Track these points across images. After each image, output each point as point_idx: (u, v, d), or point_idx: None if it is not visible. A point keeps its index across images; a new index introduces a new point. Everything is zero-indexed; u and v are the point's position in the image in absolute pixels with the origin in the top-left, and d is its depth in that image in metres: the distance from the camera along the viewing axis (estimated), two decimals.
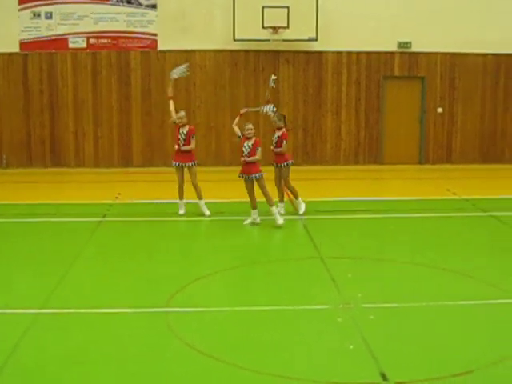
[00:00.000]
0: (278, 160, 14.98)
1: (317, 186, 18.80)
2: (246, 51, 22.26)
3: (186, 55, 22.08)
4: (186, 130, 15.22)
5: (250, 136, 14.06)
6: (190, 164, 15.33)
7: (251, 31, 21.59)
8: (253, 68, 22.37)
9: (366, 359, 8.04)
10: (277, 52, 22.31)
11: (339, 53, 22.57)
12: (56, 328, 9.00)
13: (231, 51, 22.24)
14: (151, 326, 9.08)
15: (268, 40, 21.68)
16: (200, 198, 15.24)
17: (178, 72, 16.15)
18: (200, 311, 9.61)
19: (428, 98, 23.16)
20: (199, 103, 22.35)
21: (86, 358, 8.04)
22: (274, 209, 14.18)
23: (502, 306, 9.91)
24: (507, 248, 12.95)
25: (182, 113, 15.30)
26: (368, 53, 22.70)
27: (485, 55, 23.08)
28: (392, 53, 22.81)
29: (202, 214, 15.05)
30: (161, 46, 22.11)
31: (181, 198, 15.34)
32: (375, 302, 9.89)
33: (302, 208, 15.04)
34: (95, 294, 10.24)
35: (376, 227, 14.48)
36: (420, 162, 23.18)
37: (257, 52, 22.29)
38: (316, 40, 21.97)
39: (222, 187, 18.96)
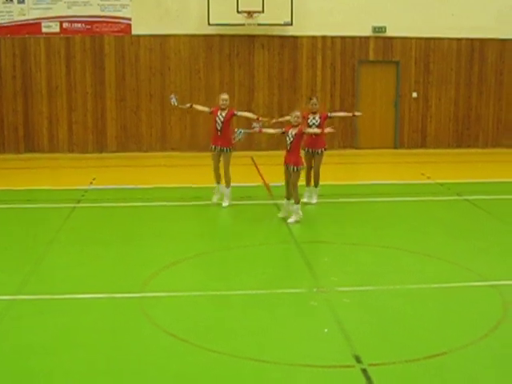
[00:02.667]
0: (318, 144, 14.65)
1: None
2: (221, 36, 22.17)
3: (161, 40, 22.00)
4: (225, 113, 14.71)
5: (296, 124, 13.12)
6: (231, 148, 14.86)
7: (226, 16, 21.49)
8: (228, 53, 22.30)
9: (340, 342, 8.08)
10: (252, 36, 22.24)
11: (314, 37, 22.53)
12: (31, 314, 8.95)
13: (206, 36, 22.14)
14: (126, 311, 9.07)
15: (243, 24, 21.59)
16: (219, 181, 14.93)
17: (175, 100, 15.53)
18: (175, 296, 9.60)
19: (403, 82, 23.20)
20: (174, 88, 22.21)
21: (61, 344, 8.02)
22: (296, 206, 13.27)
23: (476, 289, 9.99)
24: (482, 231, 13.03)
25: (226, 95, 15.06)
26: (343, 37, 22.67)
27: (459, 40, 23.13)
28: (367, 37, 22.81)
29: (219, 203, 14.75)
30: (135, 31, 21.96)
31: (218, 181, 14.95)
32: (349, 286, 9.94)
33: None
34: (70, 280, 10.20)
35: (351, 212, 14.51)
36: (395, 147, 23.23)
37: (232, 37, 22.20)
38: (291, 24, 21.92)
39: (197, 172, 18.92)
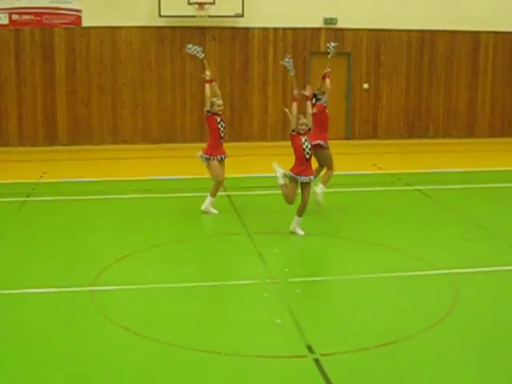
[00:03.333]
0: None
1: (244, 162, 18.80)
2: (172, 28, 22.08)
3: (111, 32, 21.84)
4: (222, 119, 13.38)
5: (304, 132, 11.80)
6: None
7: (177, 7, 21.41)
8: (179, 45, 22.19)
9: (293, 333, 8.11)
10: (203, 28, 22.18)
11: (265, 29, 22.55)
12: None
13: (157, 28, 22.03)
14: (78, 305, 8.99)
15: (194, 16, 21.53)
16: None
17: (193, 49, 14.49)
18: (127, 289, 9.56)
19: (354, 73, 23.32)
20: (125, 81, 22.11)
21: (12, 339, 7.94)
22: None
23: (426, 278, 10.08)
24: (432, 221, 13.17)
25: (221, 101, 13.49)
26: (294, 29, 22.73)
27: (409, 31, 23.32)
28: (318, 29, 22.88)
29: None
30: (85, 23, 21.76)
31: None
32: (302, 276, 9.99)
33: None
34: (20, 274, 10.08)
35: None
36: (346, 137, 23.35)
37: (183, 28, 22.12)
38: (242, 16, 21.91)
39: (149, 164, 18.86)
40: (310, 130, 11.85)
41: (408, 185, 16.02)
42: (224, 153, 13.32)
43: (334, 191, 15.10)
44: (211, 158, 13.10)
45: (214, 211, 13.30)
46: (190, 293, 9.48)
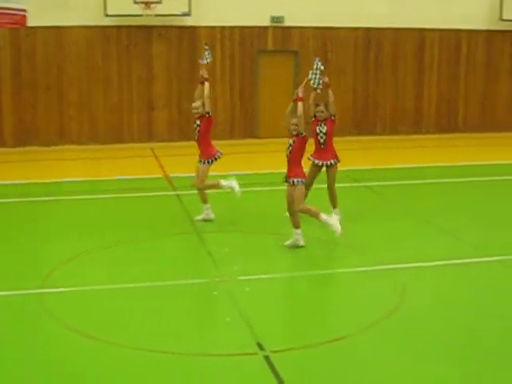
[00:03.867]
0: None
1: (192, 161, 18.72)
2: (118, 27, 21.91)
3: (57, 31, 21.60)
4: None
5: (295, 133, 11.41)
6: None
7: (123, 6, 21.24)
8: (126, 44, 22.06)
9: (243, 330, 8.16)
10: (150, 27, 22.05)
11: (213, 28, 22.50)
12: None
13: (103, 27, 21.83)
14: (26, 308, 8.93)
15: (140, 15, 21.41)
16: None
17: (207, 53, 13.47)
18: (77, 290, 9.50)
19: (301, 71, 23.38)
20: (71, 81, 21.90)
21: None
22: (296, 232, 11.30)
23: (373, 273, 10.19)
24: (379, 217, 13.28)
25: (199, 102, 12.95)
26: (241, 27, 22.71)
27: (356, 29, 23.46)
28: (265, 27, 22.91)
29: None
30: (30, 22, 21.49)
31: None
32: (251, 275, 10.02)
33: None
34: None
35: (248, 201, 14.54)
36: None
37: (129, 28, 21.96)
38: (189, 15, 21.84)
39: (97, 165, 18.74)
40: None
41: (356, 181, 16.13)
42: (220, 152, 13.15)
43: (275, 189, 15.15)
44: (208, 161, 12.87)
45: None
46: (139, 293, 9.46)
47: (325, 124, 12.89)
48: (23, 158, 20.29)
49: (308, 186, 12.46)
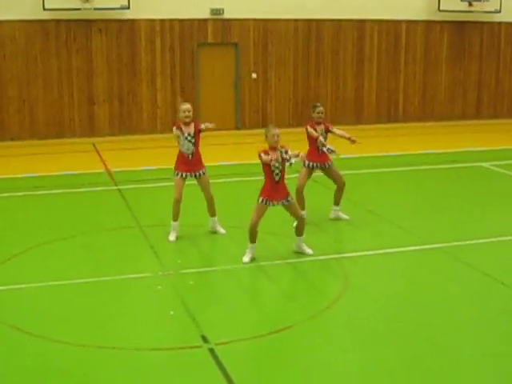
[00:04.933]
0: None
1: (133, 155, 18.69)
2: (57, 21, 21.66)
3: None
4: (192, 129, 11.26)
5: (276, 145, 10.28)
6: (202, 171, 11.54)
7: (61, 0, 21.07)
8: (65, 38, 21.83)
9: (187, 324, 8.17)
10: (89, 21, 21.86)
11: (152, 20, 22.39)
12: None
13: (41, 21, 21.57)
14: None
15: (79, 9, 21.23)
16: (214, 214, 11.74)
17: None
18: (17, 288, 9.39)
19: (242, 63, 23.41)
20: (10, 76, 21.61)
21: None
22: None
23: (317, 263, 10.27)
24: (323, 207, 13.33)
25: (188, 105, 11.36)
26: (181, 20, 22.64)
27: (296, 21, 23.55)
28: (205, 20, 22.86)
29: (215, 232, 11.75)
30: None
31: (176, 218, 11.40)
32: (194, 268, 10.04)
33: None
34: None
35: (192, 194, 14.53)
36: (237, 127, 23.47)
37: (68, 21, 21.73)
38: (128, 8, 21.71)
39: (38, 160, 18.54)
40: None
41: (297, 172, 16.16)
42: (190, 169, 11.34)
43: (223, 182, 15.21)
44: (174, 172, 11.39)
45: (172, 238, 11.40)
46: (82, 289, 9.41)
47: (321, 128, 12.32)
48: None
49: (300, 193, 12.22)
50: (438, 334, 7.90)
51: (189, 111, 11.19)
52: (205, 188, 11.52)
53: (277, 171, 10.15)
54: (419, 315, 8.42)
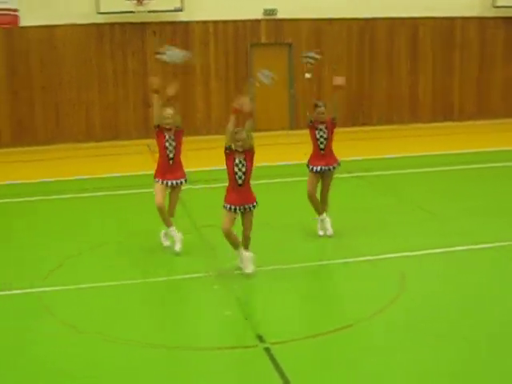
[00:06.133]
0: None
1: (188, 156, 18.72)
2: (111, 24, 21.92)
3: (50, 30, 21.61)
4: (172, 134, 11.09)
5: (242, 150, 9.62)
6: (183, 180, 11.23)
7: (115, 3, 21.29)
8: (119, 41, 22.08)
9: (243, 323, 8.20)
10: (143, 24, 22.07)
11: (205, 22, 22.52)
12: None
13: (96, 24, 21.85)
14: (27, 307, 8.96)
15: (133, 12, 21.44)
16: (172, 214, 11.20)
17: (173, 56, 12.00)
18: (75, 288, 9.51)
19: (295, 64, 23.40)
20: (67, 79, 21.92)
21: None
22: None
23: (373, 263, 10.20)
24: (374, 207, 13.31)
25: (170, 110, 11.19)
26: (234, 21, 22.73)
27: (349, 20, 23.47)
28: (258, 20, 22.92)
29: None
30: (23, 22, 21.50)
31: (169, 224, 10.99)
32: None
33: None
34: None
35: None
36: (291, 128, 23.46)
37: (122, 24, 21.98)
38: (182, 10, 21.87)
39: (94, 163, 18.75)
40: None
41: (349, 172, 16.14)
42: (170, 177, 10.98)
43: (278, 181, 15.21)
44: (155, 180, 11.02)
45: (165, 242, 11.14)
46: (138, 290, 9.49)
47: (326, 128, 11.50)
48: (20, 157, 20.31)
49: (313, 197, 11.53)
50: (499, 334, 7.79)
51: (169, 117, 11.00)
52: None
53: (240, 174, 9.63)
54: (480, 315, 8.30)
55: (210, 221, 12.11)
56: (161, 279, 9.72)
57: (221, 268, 10.01)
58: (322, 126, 11.48)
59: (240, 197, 9.64)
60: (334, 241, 11.21)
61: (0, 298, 9.27)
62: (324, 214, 11.56)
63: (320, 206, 11.53)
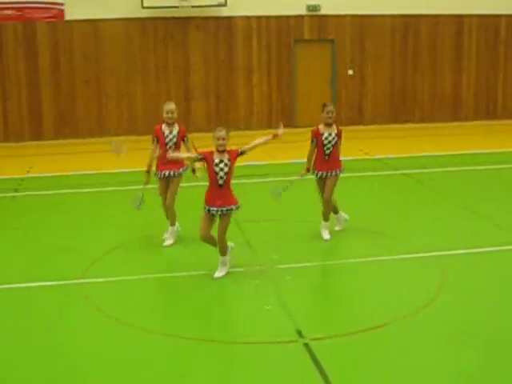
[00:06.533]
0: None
1: None
2: (155, 19, 22.02)
3: (94, 24, 21.76)
4: (176, 130, 11.07)
5: (222, 149, 9.35)
6: (182, 170, 11.16)
7: None
8: (162, 36, 22.17)
9: (283, 318, 8.16)
10: (186, 19, 22.14)
11: (249, 17, 22.52)
12: None
13: (140, 19, 21.97)
14: (68, 297, 9.02)
15: (176, 7, 21.50)
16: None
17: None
18: (116, 280, 9.56)
19: (338, 60, 23.33)
20: (110, 73, 22.07)
21: (5, 333, 7.97)
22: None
23: (415, 261, 10.12)
24: (419, 204, 13.22)
25: (173, 105, 11.07)
26: (277, 17, 22.70)
27: (393, 16, 23.32)
28: (301, 16, 22.87)
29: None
30: (68, 16, 21.69)
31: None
32: (290, 263, 10.00)
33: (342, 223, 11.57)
34: (8, 269, 10.11)
35: (290, 189, 14.55)
36: None
37: (166, 19, 22.07)
38: (225, 5, 21.90)
39: (136, 156, 18.80)
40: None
41: (394, 169, 16.06)
42: (167, 168, 10.99)
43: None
44: (157, 173, 11.12)
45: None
46: (179, 282, 9.51)
47: (333, 132, 11.01)
48: (62, 150, 20.48)
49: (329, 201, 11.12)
50: None
51: (172, 112, 10.93)
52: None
53: (221, 174, 9.28)
54: None
55: (250, 216, 12.09)
56: (201, 273, 9.70)
57: (260, 263, 9.99)
58: (330, 131, 10.98)
59: (219, 199, 9.36)
60: (374, 238, 11.15)
61: (42, 290, 9.34)
62: (338, 213, 11.35)
63: (333, 206, 11.25)
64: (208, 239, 9.49)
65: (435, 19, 23.56)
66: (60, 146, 21.13)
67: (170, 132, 11.00)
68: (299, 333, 7.70)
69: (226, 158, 9.29)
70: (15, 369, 7.07)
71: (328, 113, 10.95)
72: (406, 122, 23.72)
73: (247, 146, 9.50)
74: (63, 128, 22.18)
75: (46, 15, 21.62)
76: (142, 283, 9.49)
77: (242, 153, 9.47)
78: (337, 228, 11.43)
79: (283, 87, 23.03)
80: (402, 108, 23.86)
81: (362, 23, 23.26)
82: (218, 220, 9.46)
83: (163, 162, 10.89)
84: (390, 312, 8.31)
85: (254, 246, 10.76)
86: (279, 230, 11.60)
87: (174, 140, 11.02)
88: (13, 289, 9.34)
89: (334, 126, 11.01)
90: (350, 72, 23.49)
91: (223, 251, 9.52)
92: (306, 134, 19.95)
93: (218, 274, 9.51)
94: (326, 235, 11.06)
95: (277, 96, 23.09)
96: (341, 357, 7.24)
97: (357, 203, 13.27)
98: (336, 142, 11.00)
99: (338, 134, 11.02)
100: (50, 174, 16.75)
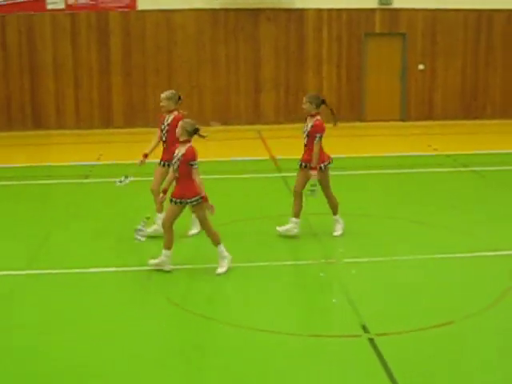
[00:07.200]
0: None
1: (298, 144, 18.76)
2: (226, 10, 22.09)
3: (166, 15, 21.93)
4: (171, 118, 11.42)
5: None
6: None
7: None
8: (233, 27, 22.23)
9: (348, 312, 8.15)
10: (257, 10, 22.16)
11: (320, 10, 22.43)
12: (41, 289, 9.05)
13: (211, 10, 22.06)
14: (137, 284, 9.14)
15: None
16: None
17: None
18: (185, 268, 9.63)
19: (409, 54, 23.10)
20: (181, 63, 22.22)
21: (75, 316, 8.12)
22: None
23: (484, 259, 10.00)
24: (489, 202, 13.04)
25: (164, 93, 11.61)
26: (349, 10, 22.57)
27: (466, 11, 23.00)
28: (373, 9, 22.70)
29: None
30: (140, 6, 21.90)
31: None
32: (357, 257, 9.98)
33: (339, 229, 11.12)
34: (79, 255, 10.26)
35: (358, 183, 14.53)
36: (402, 119, 23.18)
37: (237, 11, 22.12)
38: None
39: (205, 146, 18.90)
40: None
41: (464, 166, 15.87)
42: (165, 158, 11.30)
43: (389, 172, 15.09)
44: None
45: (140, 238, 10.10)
46: (247, 273, 9.51)
47: (309, 123, 11.06)
48: (131, 138, 20.66)
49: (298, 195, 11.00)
50: None
51: (161, 100, 11.38)
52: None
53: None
54: None
55: (317, 209, 12.05)
56: (265, 264, 9.73)
57: (327, 256, 9.99)
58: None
59: (179, 190, 9.42)
60: (442, 235, 11.04)
61: (110, 275, 9.48)
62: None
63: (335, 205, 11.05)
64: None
65: (509, 14, 23.16)
66: (129, 134, 21.33)
67: (167, 120, 11.34)
68: (364, 327, 7.68)
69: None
70: (90, 345, 7.20)
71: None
72: (476, 118, 23.39)
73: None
74: (132, 116, 22.41)
75: (118, 5, 21.85)
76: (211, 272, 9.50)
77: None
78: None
79: (353, 80, 22.90)
80: (473, 104, 23.53)
81: (435, 17, 22.98)
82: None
83: (164, 150, 11.36)
84: (458, 309, 8.24)
85: (320, 239, 10.75)
86: (346, 223, 11.48)
87: (167, 128, 11.25)
88: (79, 274, 9.50)
89: (314, 119, 11.01)
90: (421, 67, 23.25)
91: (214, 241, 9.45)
92: (374, 129, 19.95)
93: (220, 270, 9.36)
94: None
95: (346, 89, 22.97)
96: (406, 353, 7.19)
97: (425, 199, 13.19)
98: (309, 133, 10.97)
99: (314, 127, 10.97)
100: (119, 162, 16.88)
